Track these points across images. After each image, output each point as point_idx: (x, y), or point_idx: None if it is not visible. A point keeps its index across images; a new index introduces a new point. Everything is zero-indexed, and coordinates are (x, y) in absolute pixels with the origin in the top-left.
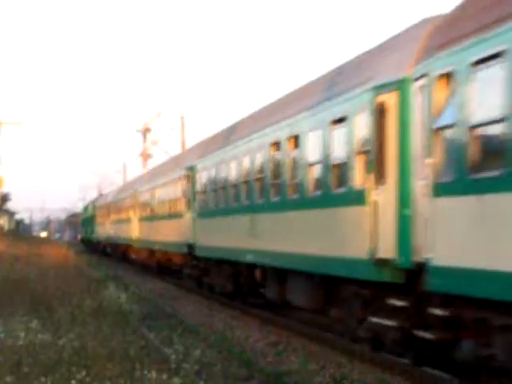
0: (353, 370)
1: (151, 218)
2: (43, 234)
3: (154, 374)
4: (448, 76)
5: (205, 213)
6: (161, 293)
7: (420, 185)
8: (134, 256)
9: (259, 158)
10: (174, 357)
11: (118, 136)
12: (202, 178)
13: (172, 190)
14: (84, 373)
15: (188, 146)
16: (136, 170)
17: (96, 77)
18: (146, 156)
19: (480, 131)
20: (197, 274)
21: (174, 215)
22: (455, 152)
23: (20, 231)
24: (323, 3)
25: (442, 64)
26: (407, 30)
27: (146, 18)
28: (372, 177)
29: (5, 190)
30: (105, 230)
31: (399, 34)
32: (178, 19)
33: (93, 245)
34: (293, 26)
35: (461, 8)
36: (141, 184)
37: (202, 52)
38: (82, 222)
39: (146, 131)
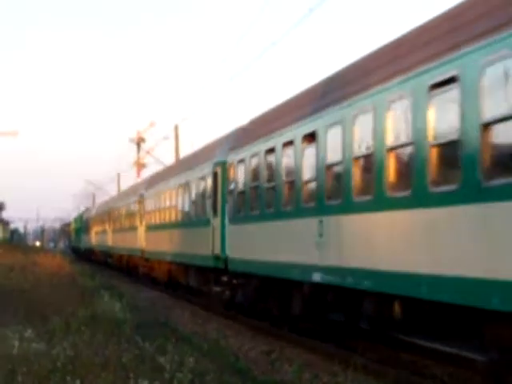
0: (346, 378)
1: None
2: (37, 244)
3: (148, 383)
4: (237, 162)
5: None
6: (155, 302)
7: (227, 217)
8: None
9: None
10: (168, 366)
11: (111, 146)
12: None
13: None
14: (78, 382)
15: (182, 155)
16: (130, 179)
17: (90, 87)
18: (139, 165)
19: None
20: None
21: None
22: (233, 203)
23: (14, 240)
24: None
25: (234, 156)
26: (232, 133)
27: (139, 28)
28: (212, 211)
29: None
30: (101, 239)
31: (229, 135)
32: (170, 27)
33: (84, 254)
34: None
35: (249, 123)
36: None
37: (194, 61)
38: (74, 231)
39: (139, 141)
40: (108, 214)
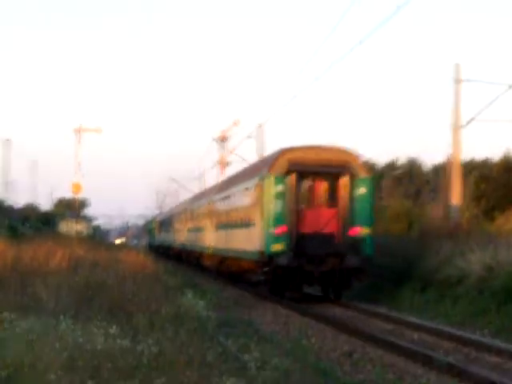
0: (429, 381)
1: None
2: (120, 240)
3: (232, 381)
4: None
5: None
6: (237, 300)
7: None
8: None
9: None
10: (251, 364)
11: (195, 144)
12: None
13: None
14: (163, 379)
15: (266, 153)
16: (213, 177)
17: (175, 85)
18: (223, 164)
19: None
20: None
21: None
22: None
23: (97, 237)
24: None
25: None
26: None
27: (224, 26)
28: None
29: (84, 196)
30: (172, 237)
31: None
32: (257, 26)
33: (157, 250)
34: None
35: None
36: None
37: (280, 60)
38: (150, 231)
39: (223, 139)
40: (179, 215)
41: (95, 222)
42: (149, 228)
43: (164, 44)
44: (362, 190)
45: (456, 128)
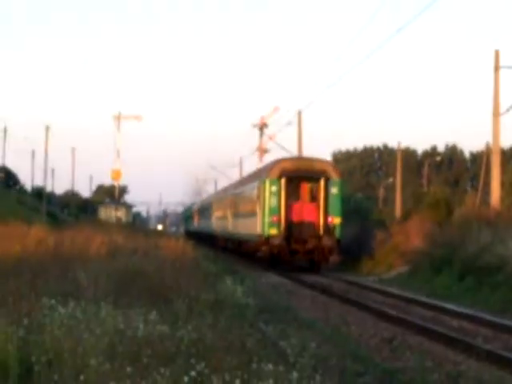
0: (469, 367)
1: (236, 215)
2: (159, 227)
3: (271, 367)
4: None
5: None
6: (276, 287)
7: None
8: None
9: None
10: (290, 350)
11: (234, 130)
12: None
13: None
14: (203, 364)
15: (304, 141)
16: (252, 164)
17: (214, 72)
18: (262, 151)
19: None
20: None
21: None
22: None
23: (137, 224)
24: None
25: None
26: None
27: (263, 14)
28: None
29: (123, 183)
30: (204, 224)
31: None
32: (294, 11)
33: (192, 235)
34: None
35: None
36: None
37: (319, 47)
38: (186, 218)
39: (262, 126)
40: (209, 205)
41: (134, 209)
42: (186, 215)
43: (205, 30)
44: (334, 190)
45: (495, 115)
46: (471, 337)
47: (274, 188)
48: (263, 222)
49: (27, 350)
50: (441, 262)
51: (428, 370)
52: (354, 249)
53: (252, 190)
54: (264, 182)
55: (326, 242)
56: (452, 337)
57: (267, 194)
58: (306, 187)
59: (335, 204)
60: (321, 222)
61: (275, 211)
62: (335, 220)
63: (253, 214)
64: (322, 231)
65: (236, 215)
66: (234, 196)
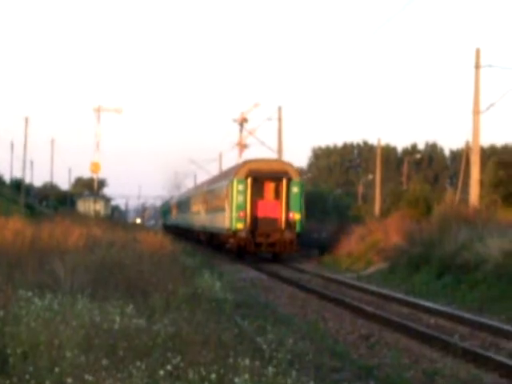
0: (445, 365)
1: (208, 210)
2: (138, 221)
3: (247, 362)
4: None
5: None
6: (254, 282)
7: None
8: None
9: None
10: (266, 346)
11: (214, 125)
12: None
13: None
14: (179, 358)
15: (284, 137)
16: (232, 159)
17: (195, 66)
18: (242, 146)
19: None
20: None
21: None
22: None
23: (115, 217)
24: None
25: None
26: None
27: (244, 9)
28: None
29: (102, 176)
30: (179, 217)
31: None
32: (275, 8)
33: (169, 229)
34: None
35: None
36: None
37: (300, 42)
38: (163, 212)
39: (242, 121)
40: (187, 200)
41: (113, 202)
42: (164, 209)
43: (186, 24)
44: (295, 189)
45: (476, 113)
46: (448, 334)
47: (240, 187)
48: (231, 217)
49: (2, 341)
50: (419, 259)
51: (404, 366)
52: (321, 243)
53: (222, 188)
54: (232, 181)
55: (287, 235)
56: (429, 334)
57: (235, 192)
58: (269, 186)
59: (296, 202)
60: (283, 218)
61: (242, 207)
62: (296, 216)
63: (222, 209)
64: (283, 226)
65: (208, 210)
66: (207, 193)
